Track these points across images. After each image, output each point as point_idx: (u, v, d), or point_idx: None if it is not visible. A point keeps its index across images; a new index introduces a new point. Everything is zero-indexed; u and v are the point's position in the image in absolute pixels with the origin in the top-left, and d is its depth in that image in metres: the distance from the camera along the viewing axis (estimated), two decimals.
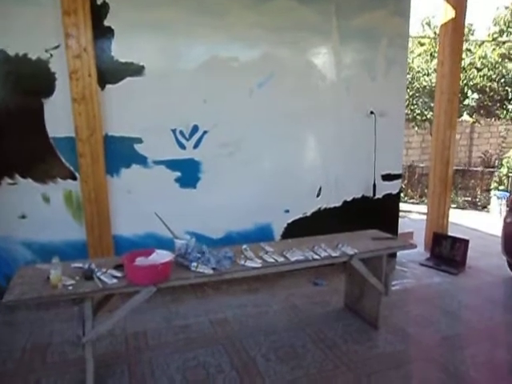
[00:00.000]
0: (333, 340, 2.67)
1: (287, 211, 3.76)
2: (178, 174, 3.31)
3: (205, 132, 3.32)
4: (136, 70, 3.02)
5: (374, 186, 4.01)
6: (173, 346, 2.53)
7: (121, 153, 3.11)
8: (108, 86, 2.98)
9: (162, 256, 2.11)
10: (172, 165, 3.27)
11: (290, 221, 3.80)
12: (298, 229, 3.81)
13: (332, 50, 3.66)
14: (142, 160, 3.17)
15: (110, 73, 2.96)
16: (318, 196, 3.86)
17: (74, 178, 3.01)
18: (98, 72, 2.90)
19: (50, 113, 2.88)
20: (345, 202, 3.98)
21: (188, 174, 3.34)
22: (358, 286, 2.95)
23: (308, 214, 3.86)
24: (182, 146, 3.28)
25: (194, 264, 2.17)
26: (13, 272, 2.97)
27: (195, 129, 3.28)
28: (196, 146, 3.32)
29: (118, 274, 2.00)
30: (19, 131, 2.84)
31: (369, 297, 2.89)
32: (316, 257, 2.46)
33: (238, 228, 3.61)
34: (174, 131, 3.22)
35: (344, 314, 3.04)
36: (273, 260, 2.37)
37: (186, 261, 2.22)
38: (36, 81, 2.81)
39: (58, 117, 2.88)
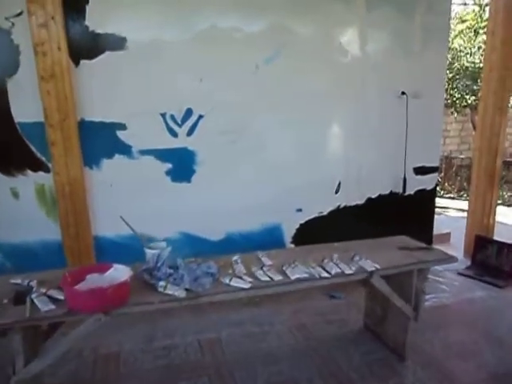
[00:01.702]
0: (347, 374, 2.14)
1: (300, 210, 3.22)
2: (169, 165, 2.83)
3: (200, 116, 2.81)
4: (116, 43, 2.55)
5: (405, 180, 3.38)
6: (146, 377, 2.08)
7: (101, 141, 2.66)
8: (83, 62, 2.52)
9: (121, 273, 1.65)
10: (162, 155, 2.80)
11: (302, 221, 3.25)
12: (313, 230, 3.27)
13: (356, 18, 3.04)
14: (126, 149, 2.72)
15: (84, 46, 2.50)
16: (336, 192, 3.28)
17: (48, 170, 2.59)
18: (70, 45, 2.45)
19: (15, 93, 2.46)
20: (369, 200, 3.38)
21: (181, 165, 2.86)
22: (381, 304, 2.39)
23: (324, 213, 3.29)
24: (174, 134, 2.79)
25: (162, 284, 1.68)
26: None
27: (189, 113, 2.78)
28: (190, 133, 2.82)
29: (61, 297, 1.55)
30: None
31: (394, 319, 2.33)
32: (324, 274, 1.92)
33: (240, 229, 3.11)
34: (163, 116, 2.74)
35: (363, 338, 2.49)
36: (267, 278, 1.85)
37: (153, 278, 1.74)
38: None
39: (25, 98, 2.45)
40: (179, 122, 2.78)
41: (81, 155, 2.60)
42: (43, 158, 2.57)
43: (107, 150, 2.68)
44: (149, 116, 2.71)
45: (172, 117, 2.76)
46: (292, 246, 3.27)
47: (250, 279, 1.82)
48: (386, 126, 3.27)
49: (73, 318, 1.48)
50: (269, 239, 3.19)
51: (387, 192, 3.41)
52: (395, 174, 3.39)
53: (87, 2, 2.45)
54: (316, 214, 3.28)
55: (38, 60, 2.36)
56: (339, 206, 3.32)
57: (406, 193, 3.43)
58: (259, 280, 1.83)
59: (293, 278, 1.86)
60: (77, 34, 2.47)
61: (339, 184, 3.27)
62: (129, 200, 2.78)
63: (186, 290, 1.70)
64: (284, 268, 1.95)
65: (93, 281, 1.62)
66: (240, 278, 1.84)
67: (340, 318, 2.71)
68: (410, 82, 3.26)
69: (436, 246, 3.41)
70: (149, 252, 1.88)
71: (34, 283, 1.66)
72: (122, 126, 2.67)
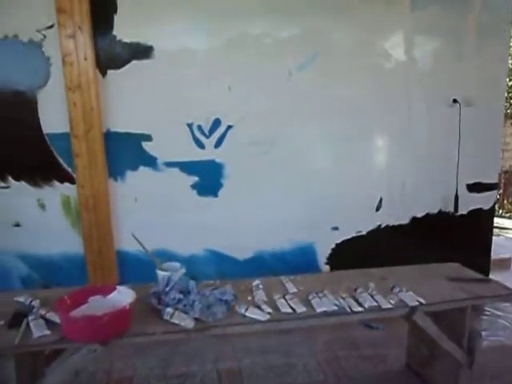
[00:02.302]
0: None
1: (336, 228, 2.95)
2: (196, 178, 2.69)
3: (229, 127, 2.66)
4: (143, 52, 2.47)
5: (457, 198, 3.00)
6: None
7: (126, 152, 2.58)
8: (110, 72, 2.47)
9: (124, 296, 1.50)
10: (188, 167, 2.67)
11: (339, 241, 2.98)
12: (350, 251, 2.98)
13: (399, 18, 2.77)
14: (151, 161, 2.62)
15: (111, 56, 2.45)
16: (377, 210, 2.98)
17: (74, 182, 2.55)
18: (97, 55, 2.41)
19: (45, 105, 2.44)
20: (414, 219, 3.03)
21: (208, 178, 2.71)
22: (427, 342, 2.06)
23: (363, 232, 3.00)
24: (201, 145, 2.66)
25: (169, 311, 1.51)
26: (4, 287, 2.65)
27: (217, 123, 2.64)
28: (218, 144, 2.67)
29: (59, 321, 1.42)
30: (11, 126, 2.45)
31: (443, 362, 1.99)
32: (356, 308, 1.65)
33: (270, 248, 2.89)
34: (190, 126, 2.62)
35: (404, 381, 2.16)
36: (289, 310, 1.62)
37: (161, 303, 1.57)
38: (29, 67, 2.40)
39: (54, 109, 2.43)
40: (206, 133, 2.65)
41: (105, 167, 2.53)
42: (69, 169, 2.53)
43: (132, 161, 2.60)
44: (175, 127, 2.60)
45: (199, 127, 2.63)
46: (327, 267, 3.00)
47: (269, 309, 1.60)
48: (434, 138, 2.93)
49: (65, 346, 1.35)
50: (301, 259, 2.95)
51: (436, 211, 3.05)
52: (445, 192, 3.02)
53: (115, 11, 2.40)
54: (354, 234, 2.99)
55: (65, 71, 2.34)
56: (380, 226, 3.00)
57: (459, 212, 3.04)
58: (279, 311, 1.60)
59: (318, 310, 1.61)
60: (104, 44, 2.43)
61: (380, 201, 2.97)
62: (153, 214, 2.67)
63: (196, 319, 1.51)
64: (310, 298, 1.71)
65: (96, 304, 1.49)
66: (258, 307, 1.62)
67: (378, 354, 2.40)
68: (462, 88, 2.92)
69: (494, 274, 3.00)
70: (160, 274, 1.72)
71: (36, 303, 1.55)
72: (148, 137, 2.58)
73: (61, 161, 2.53)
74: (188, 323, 1.48)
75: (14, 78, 2.40)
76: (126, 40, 2.45)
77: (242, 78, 2.62)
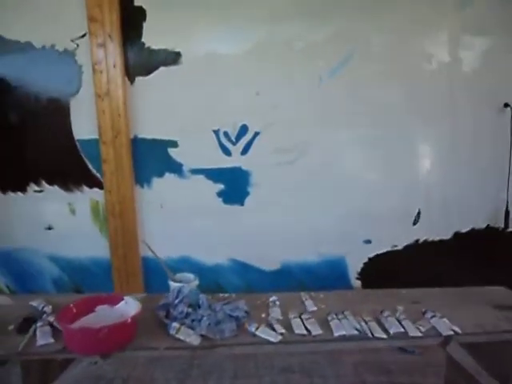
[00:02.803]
0: None
1: (368, 241, 2.76)
2: (221, 186, 2.64)
3: (256, 134, 2.58)
4: (171, 58, 2.47)
5: (507, 213, 2.70)
6: None
7: (152, 159, 2.59)
8: (138, 79, 2.49)
9: (131, 307, 1.45)
10: (214, 175, 2.62)
11: (371, 255, 2.79)
12: (384, 267, 2.79)
13: (444, 16, 2.55)
14: (177, 168, 2.60)
15: (140, 63, 2.47)
16: (414, 223, 2.76)
17: (102, 187, 2.59)
18: (126, 62, 2.44)
19: (77, 112, 2.51)
20: (457, 235, 2.77)
21: (234, 186, 2.65)
22: (466, 377, 1.83)
23: (399, 247, 2.78)
24: (227, 152, 2.60)
25: (175, 325, 1.44)
26: (37, 288, 2.74)
27: (244, 129, 2.58)
28: (245, 151, 2.60)
29: None
30: (46, 132, 2.54)
31: None
32: (380, 334, 1.48)
33: (298, 259, 2.77)
34: (216, 133, 2.57)
35: None
36: (303, 331, 1.49)
37: (168, 317, 1.51)
38: (63, 75, 2.48)
39: (85, 116, 2.49)
40: (233, 140, 2.59)
41: (132, 173, 2.55)
42: (98, 175, 2.58)
43: (158, 168, 2.60)
44: (201, 133, 2.57)
45: (225, 134, 2.58)
46: (358, 282, 2.82)
47: (282, 330, 1.48)
48: (482, 146, 2.67)
49: (66, 357, 1.32)
50: (330, 273, 2.79)
51: (483, 226, 2.77)
52: (495, 205, 2.74)
53: (144, 19, 2.42)
54: (389, 248, 2.78)
55: (95, 78, 2.39)
56: (418, 241, 2.77)
57: (510, 228, 2.74)
58: (292, 333, 1.47)
59: (336, 334, 1.47)
60: (133, 52, 2.45)
61: (419, 213, 2.74)
62: (178, 221, 2.66)
63: (202, 335, 1.43)
64: (329, 318, 1.57)
65: (103, 314, 1.45)
66: (271, 326, 1.51)
67: (411, 382, 2.18)
68: None
69: None
70: (172, 285, 1.66)
71: (48, 309, 1.55)
72: (174, 144, 2.57)
73: (90, 166, 2.58)
74: (194, 340, 1.40)
75: (50, 85, 2.49)
76: (155, 47, 2.45)
77: (270, 84, 2.53)
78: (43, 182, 2.60)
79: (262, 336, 1.44)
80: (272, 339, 1.42)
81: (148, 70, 2.48)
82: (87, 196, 2.62)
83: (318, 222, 2.70)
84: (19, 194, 2.61)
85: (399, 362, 2.36)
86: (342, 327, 1.49)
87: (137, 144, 2.55)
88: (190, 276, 1.77)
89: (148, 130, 2.55)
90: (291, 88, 2.54)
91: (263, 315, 1.62)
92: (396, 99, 2.59)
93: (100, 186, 2.59)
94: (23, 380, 1.37)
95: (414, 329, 1.51)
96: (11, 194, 2.62)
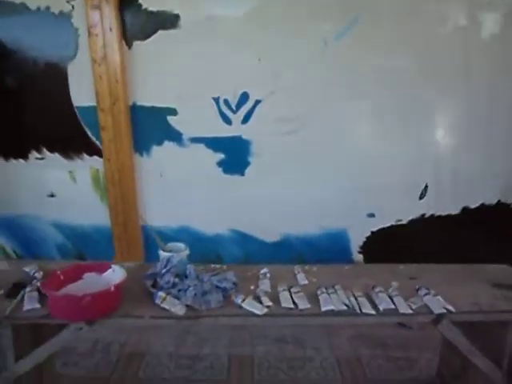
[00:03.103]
0: None
1: (372, 215, 2.69)
2: (221, 155, 2.58)
3: (257, 102, 2.49)
4: (169, 21, 2.36)
5: None
6: None
7: (151, 127, 2.53)
8: (136, 44, 2.40)
9: (117, 275, 1.45)
10: (213, 144, 2.56)
11: (375, 229, 2.72)
12: (388, 241, 2.73)
13: None
14: (176, 136, 2.55)
15: (137, 26, 2.36)
16: (421, 198, 2.66)
17: (101, 155, 2.57)
18: (123, 25, 2.34)
19: (74, 78, 2.45)
20: (466, 210, 2.67)
21: (234, 156, 2.59)
22: (460, 354, 1.80)
23: (404, 221, 2.71)
24: (227, 120, 2.52)
25: (161, 295, 1.44)
26: (42, 254, 2.80)
27: (244, 97, 2.48)
28: (245, 120, 2.52)
29: None
30: (45, 98, 2.50)
31: (477, 379, 1.72)
32: (369, 310, 1.45)
33: (299, 232, 2.73)
34: (216, 100, 2.49)
35: None
36: (290, 305, 1.47)
37: (155, 286, 1.51)
38: (60, 39, 2.40)
39: (82, 82, 2.43)
40: (233, 108, 2.50)
41: (131, 141, 2.51)
42: (97, 143, 2.55)
43: (157, 136, 2.55)
44: (201, 100, 2.48)
45: (226, 101, 2.49)
46: (360, 256, 2.78)
47: (269, 302, 1.47)
48: (497, 118, 2.51)
49: (52, 322, 1.34)
50: (331, 246, 2.75)
51: (493, 202, 2.65)
52: (506, 180, 2.61)
53: None
54: (393, 222, 2.71)
55: (90, 42, 2.31)
56: (424, 215, 2.69)
57: None
58: (279, 306, 1.46)
59: (324, 309, 1.44)
60: (130, 14, 2.34)
61: (426, 188, 2.64)
62: (178, 190, 2.63)
63: (188, 306, 1.42)
64: (318, 293, 1.54)
65: (90, 281, 1.46)
66: (258, 298, 1.50)
67: (406, 357, 2.17)
68: None
69: None
70: (161, 254, 1.65)
71: (39, 274, 1.57)
72: (173, 111, 2.50)
73: (89, 134, 2.55)
74: (179, 310, 1.40)
75: (47, 49, 2.41)
76: (152, 9, 2.34)
77: (272, 49, 2.40)
78: (44, 150, 2.59)
79: (248, 308, 1.43)
80: (257, 312, 1.41)
81: (146, 34, 2.38)
82: (87, 164, 2.60)
83: (319, 194, 2.63)
84: (21, 161, 2.62)
85: (395, 336, 2.35)
86: (331, 302, 1.47)
87: (135, 111, 2.50)
88: (181, 246, 1.76)
89: (147, 97, 2.48)
90: (294, 54, 2.41)
91: (252, 287, 1.61)
92: (406, 66, 2.44)
93: (100, 154, 2.56)
94: (14, 342, 1.40)
95: (405, 306, 1.48)
96: (13, 161, 2.62)
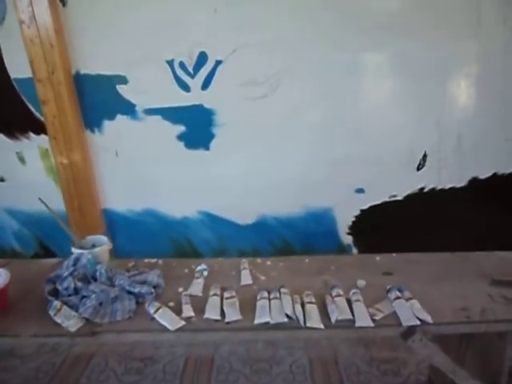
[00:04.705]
0: None
1: (361, 191, 2.32)
2: (182, 128, 2.24)
3: (218, 63, 2.10)
4: None
5: None
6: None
7: (100, 99, 2.21)
8: (71, 0, 2.04)
9: (2, 279, 1.18)
10: (171, 115, 2.22)
11: (365, 206, 2.35)
12: (380, 221, 2.36)
13: None
14: (129, 109, 2.22)
15: None
16: (419, 168, 2.25)
17: None
18: None
19: (6, 45, 2.14)
20: (474, 182, 2.25)
21: (196, 128, 2.24)
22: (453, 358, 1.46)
23: (399, 197, 2.32)
24: (185, 87, 2.16)
25: (56, 304, 1.16)
26: (2, 243, 2.60)
27: (202, 58, 2.10)
28: (205, 85, 2.15)
29: None
30: None
31: None
32: (314, 324, 1.12)
33: (277, 212, 2.40)
34: (170, 64, 2.12)
35: None
36: (216, 316, 1.15)
37: (53, 293, 1.23)
38: None
39: (17, 50, 2.11)
40: (191, 72, 2.13)
41: (79, 116, 2.21)
42: (43, 119, 2.26)
43: (108, 109, 2.22)
44: (152, 65, 2.12)
45: (181, 64, 2.12)
46: (349, 238, 2.43)
47: (190, 313, 1.16)
48: (510, 72, 2.03)
49: None
50: (316, 227, 2.41)
51: (507, 172, 2.21)
52: None
53: None
54: (386, 198, 2.33)
55: (15, 1, 1.97)
56: (423, 189, 2.29)
57: None
58: (201, 318, 1.15)
59: (257, 321, 1.12)
60: None
61: (424, 156, 2.22)
62: (137, 170, 2.33)
63: (86, 320, 1.14)
64: (258, 297, 1.22)
65: None
66: (179, 306, 1.19)
67: (393, 357, 1.84)
68: None
69: None
70: (74, 251, 1.37)
71: None
72: (122, 79, 2.16)
73: (33, 110, 2.26)
74: (72, 325, 1.12)
75: None
76: None
77: None
78: None
79: (160, 321, 1.13)
80: (169, 327, 1.11)
81: None
82: (35, 144, 2.33)
83: (298, 168, 2.27)
84: None
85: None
86: (266, 313, 1.14)
87: (80, 81, 2.17)
88: (103, 239, 1.46)
89: (91, 64, 2.15)
90: (257, 1, 1.99)
91: (180, 289, 1.30)
92: (404, 9, 1.98)
93: (46, 131, 2.28)
94: None
95: (365, 316, 1.14)
96: None
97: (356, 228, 2.39)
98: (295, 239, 2.44)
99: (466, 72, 2.09)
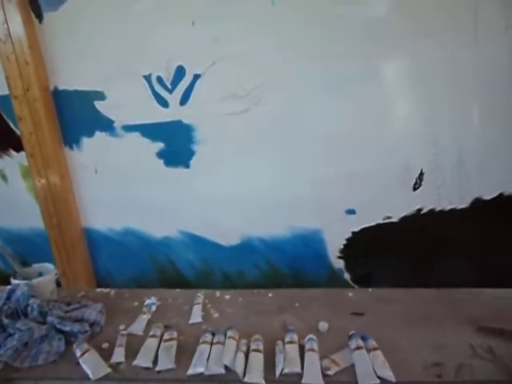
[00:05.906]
0: None
1: (351, 212, 2.14)
2: (161, 145, 2.15)
3: (196, 77, 2.00)
4: None
5: None
6: None
7: (78, 115, 2.15)
8: (47, 15, 2.00)
9: None
10: (150, 131, 2.13)
11: (357, 228, 2.17)
12: (373, 244, 2.17)
13: None
14: (107, 125, 2.14)
15: None
16: (415, 188, 2.06)
17: None
18: None
19: None
20: (478, 203, 2.03)
21: (175, 145, 2.14)
22: None
23: (394, 219, 2.13)
24: (163, 102, 2.07)
25: None
26: None
27: (180, 72, 2.01)
28: (184, 100, 2.05)
29: None
30: None
31: None
32: (253, 378, 0.97)
33: (262, 232, 2.25)
34: (147, 79, 2.04)
35: None
36: (147, 364, 1.02)
37: None
38: None
39: None
40: (169, 86, 2.04)
41: (58, 132, 2.16)
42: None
43: (86, 125, 2.16)
44: (130, 80, 2.05)
45: (159, 79, 2.04)
46: (340, 262, 2.25)
47: (120, 358, 1.04)
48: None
49: None
50: (304, 250, 2.25)
51: None
52: None
53: None
54: (379, 220, 2.14)
55: None
56: (420, 211, 2.09)
57: None
58: (130, 365, 1.02)
59: (190, 372, 0.98)
60: None
61: (421, 175, 2.03)
62: (117, 188, 2.26)
63: (6, 363, 1.03)
64: (200, 341, 1.08)
65: None
66: (106, 351, 1.07)
67: None
68: None
69: None
70: (13, 282, 1.27)
71: None
72: (100, 95, 2.10)
73: (13, 127, 2.22)
74: None
75: None
76: None
77: (208, 9, 1.90)
78: None
79: (84, 367, 1.01)
80: (90, 374, 0.98)
81: (56, 1, 1.97)
82: (16, 161, 2.29)
83: (284, 187, 2.13)
84: None
85: None
86: (203, 361, 1.00)
87: (59, 97, 2.12)
88: (49, 267, 1.37)
89: (69, 80, 2.10)
90: (236, 13, 1.89)
91: (122, 327, 1.18)
92: (388, 13, 1.83)
93: None
94: None
95: (315, 370, 0.98)
96: None
97: (347, 252, 2.22)
98: (282, 262, 2.29)
99: (466, 83, 1.90)
